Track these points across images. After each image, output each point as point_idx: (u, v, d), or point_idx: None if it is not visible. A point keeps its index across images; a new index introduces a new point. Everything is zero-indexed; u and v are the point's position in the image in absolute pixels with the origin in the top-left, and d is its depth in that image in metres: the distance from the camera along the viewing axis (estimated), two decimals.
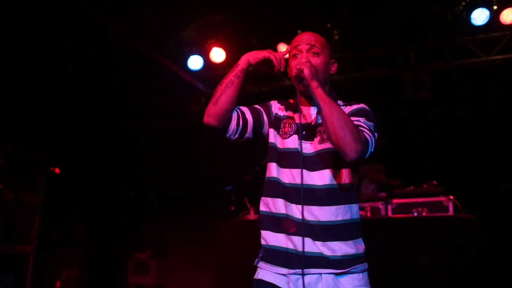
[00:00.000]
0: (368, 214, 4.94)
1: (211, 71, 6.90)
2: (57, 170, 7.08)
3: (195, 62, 6.50)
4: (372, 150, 1.98)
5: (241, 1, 5.60)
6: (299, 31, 5.95)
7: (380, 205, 4.99)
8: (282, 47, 6.08)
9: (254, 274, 2.14)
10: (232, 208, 5.62)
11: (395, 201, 4.96)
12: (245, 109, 2.20)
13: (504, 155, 6.02)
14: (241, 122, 2.15)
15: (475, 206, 5.15)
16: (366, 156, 1.93)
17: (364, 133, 1.96)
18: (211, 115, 2.08)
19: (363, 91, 6.39)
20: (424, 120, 6.69)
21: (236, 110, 2.15)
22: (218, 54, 6.38)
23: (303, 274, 1.94)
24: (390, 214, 4.93)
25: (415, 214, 4.75)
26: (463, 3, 5.52)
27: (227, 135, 2.16)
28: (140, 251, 7.36)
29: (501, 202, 5.41)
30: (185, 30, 6.33)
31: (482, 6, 5.43)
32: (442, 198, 4.78)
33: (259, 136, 2.23)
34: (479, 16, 5.47)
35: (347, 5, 5.67)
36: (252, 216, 5.44)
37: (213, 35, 6.34)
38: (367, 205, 4.98)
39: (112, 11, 5.46)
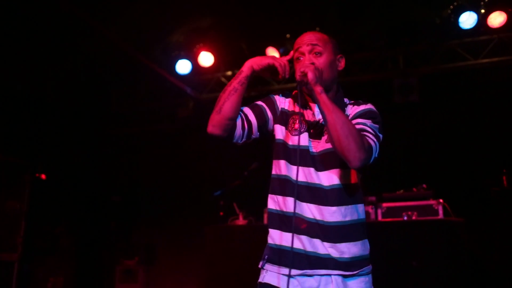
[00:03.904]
0: None
1: (200, 75, 6.86)
2: (43, 176, 6.98)
3: (183, 66, 6.44)
4: (376, 155, 1.95)
5: (230, 5, 5.57)
6: (287, 35, 6.02)
7: (370, 209, 4.97)
8: (271, 51, 6.07)
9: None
10: (221, 213, 5.58)
11: (384, 205, 4.94)
12: (247, 110, 2.14)
13: (492, 158, 6.03)
14: (246, 125, 2.09)
15: (465, 209, 5.15)
16: (369, 163, 1.91)
17: (369, 139, 1.93)
18: (215, 125, 2.01)
19: (351, 94, 6.36)
20: (412, 123, 6.69)
21: (240, 114, 2.08)
22: (206, 58, 6.34)
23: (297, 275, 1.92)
24: (380, 218, 4.91)
25: (405, 218, 4.74)
26: (451, 7, 5.53)
27: (234, 141, 2.09)
28: (128, 258, 7.26)
29: (490, 205, 5.40)
30: (173, 34, 6.29)
31: (470, 10, 5.43)
32: (432, 202, 4.78)
33: (265, 134, 2.18)
34: (467, 20, 5.48)
35: (335, 9, 5.66)
36: (241, 221, 5.40)
37: (202, 39, 6.29)
38: None
39: (99, 14, 5.40)
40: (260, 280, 2.07)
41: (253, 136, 2.14)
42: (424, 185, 5.08)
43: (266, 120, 2.15)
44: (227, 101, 1.99)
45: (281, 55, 6.04)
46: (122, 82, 7.32)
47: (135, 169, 8.06)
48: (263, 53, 6.05)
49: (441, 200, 4.76)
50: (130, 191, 8.08)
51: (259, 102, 2.20)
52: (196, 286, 6.97)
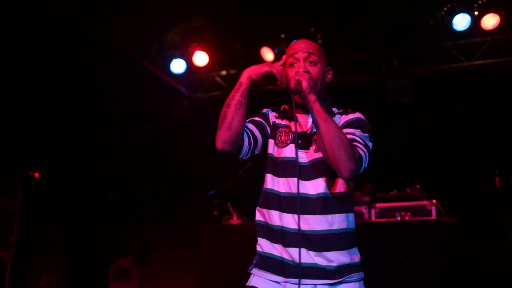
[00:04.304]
0: None
1: (194, 75, 6.86)
2: (36, 175, 6.95)
3: (178, 66, 6.44)
4: (366, 165, 1.95)
5: (225, 5, 5.58)
6: (282, 35, 6.02)
7: (364, 209, 4.99)
8: (266, 51, 6.07)
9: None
10: (215, 213, 5.58)
11: (378, 205, 4.96)
12: (251, 127, 2.15)
13: (485, 159, 6.07)
14: (252, 141, 2.11)
15: (458, 210, 5.19)
16: (359, 173, 1.91)
17: (359, 149, 1.93)
18: (226, 141, 1.99)
19: (346, 95, 6.39)
20: (406, 124, 6.72)
21: (246, 130, 2.09)
22: (201, 58, 6.33)
23: (299, 284, 1.92)
24: (373, 218, 4.93)
25: (398, 218, 4.76)
26: (445, 9, 5.55)
27: (240, 157, 2.10)
28: (121, 256, 7.25)
29: (482, 206, 5.45)
30: (168, 33, 6.28)
31: (464, 12, 5.47)
32: (425, 202, 4.80)
33: (265, 149, 2.20)
34: (461, 22, 5.51)
35: (330, 10, 5.67)
36: (235, 221, 5.40)
37: (196, 38, 6.29)
38: None
39: (94, 13, 5.39)
40: (247, 283, 2.09)
41: (256, 152, 2.16)
42: (418, 186, 5.11)
43: (267, 136, 2.19)
44: (236, 117, 1.98)
45: (276, 55, 6.05)
46: (116, 81, 7.30)
47: (130, 168, 8.05)
48: (258, 53, 6.06)
49: (434, 201, 4.78)
50: (124, 190, 8.06)
51: (258, 118, 2.22)
52: (190, 285, 6.97)
